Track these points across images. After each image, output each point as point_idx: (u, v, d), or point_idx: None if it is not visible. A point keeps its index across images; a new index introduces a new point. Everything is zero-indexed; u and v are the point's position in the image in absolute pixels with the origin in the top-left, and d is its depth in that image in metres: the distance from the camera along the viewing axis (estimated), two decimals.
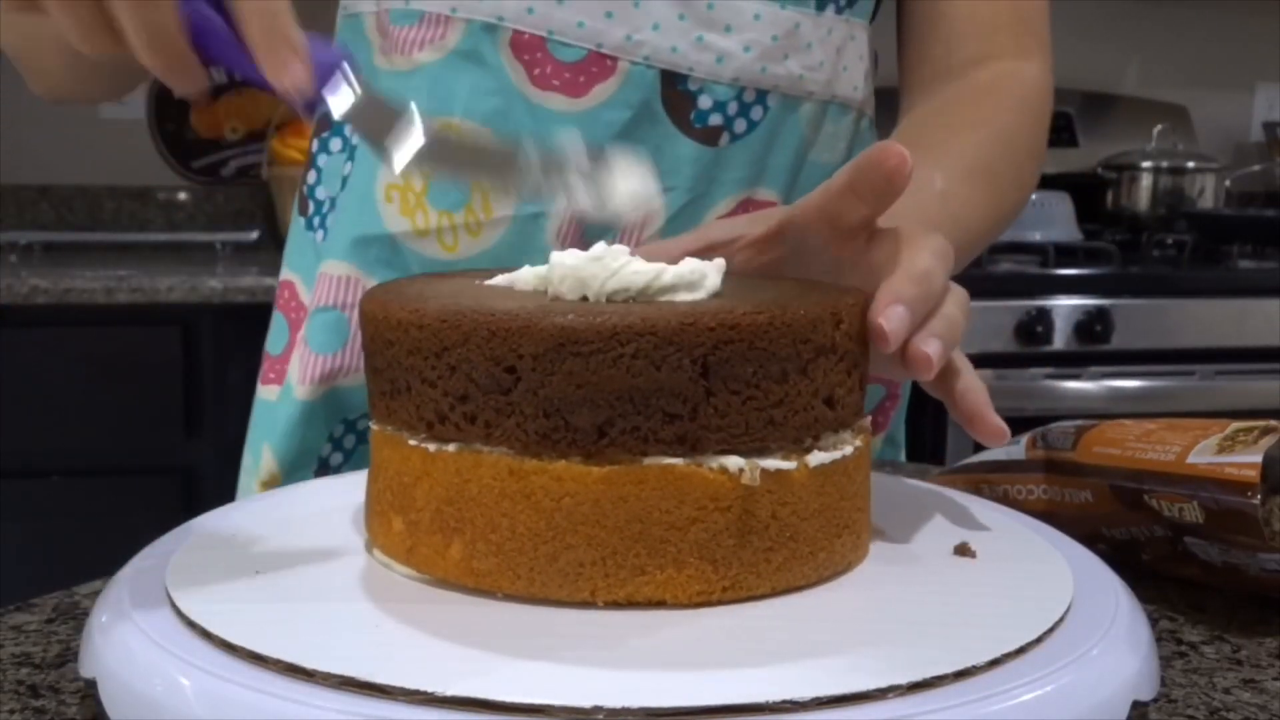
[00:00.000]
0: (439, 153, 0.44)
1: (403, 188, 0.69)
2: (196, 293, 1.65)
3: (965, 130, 0.70)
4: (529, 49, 0.68)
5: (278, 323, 0.78)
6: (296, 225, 0.78)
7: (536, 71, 0.68)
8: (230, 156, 2.25)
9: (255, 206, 2.25)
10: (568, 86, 0.68)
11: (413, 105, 0.44)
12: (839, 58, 0.73)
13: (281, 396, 0.74)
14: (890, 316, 0.43)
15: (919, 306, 0.45)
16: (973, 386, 0.49)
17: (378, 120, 0.44)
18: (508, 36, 0.68)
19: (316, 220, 0.76)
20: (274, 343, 0.78)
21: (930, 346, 0.44)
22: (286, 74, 0.41)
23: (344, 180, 0.73)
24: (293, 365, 0.74)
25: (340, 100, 0.43)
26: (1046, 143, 0.76)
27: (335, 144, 0.75)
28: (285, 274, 0.78)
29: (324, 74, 0.42)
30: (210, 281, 1.65)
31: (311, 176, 0.77)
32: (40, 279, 1.62)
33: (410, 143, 0.43)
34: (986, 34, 0.75)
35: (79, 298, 1.62)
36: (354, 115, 0.43)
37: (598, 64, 0.68)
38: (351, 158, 0.73)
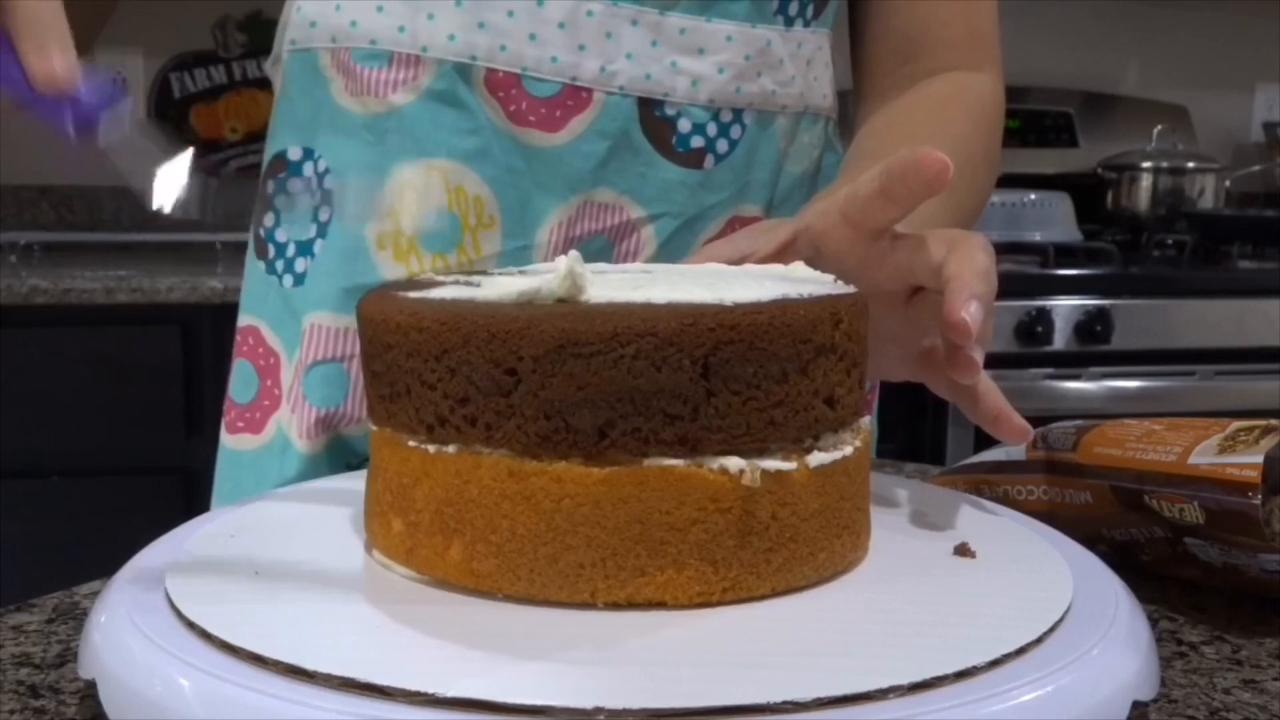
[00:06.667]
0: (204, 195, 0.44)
1: (394, 234, 0.68)
2: (196, 293, 1.65)
3: (926, 142, 0.70)
4: (504, 86, 0.67)
5: (242, 369, 0.75)
6: (255, 268, 0.75)
7: (512, 108, 0.67)
8: (230, 156, 2.25)
9: None
10: (544, 122, 0.67)
11: (190, 151, 0.43)
12: (809, 70, 0.74)
13: (270, 450, 0.72)
14: (971, 311, 0.47)
15: (988, 301, 0.48)
16: (991, 389, 0.53)
17: (144, 156, 0.43)
18: (482, 75, 0.67)
19: (280, 265, 0.73)
20: (239, 390, 0.75)
21: (979, 355, 0.49)
22: (48, 62, 0.40)
23: (321, 227, 0.71)
24: (286, 422, 0.71)
25: (113, 124, 0.42)
26: (1000, 151, 0.77)
27: (296, 185, 0.72)
28: (246, 319, 0.75)
29: (97, 92, 0.41)
30: (210, 281, 1.65)
31: (269, 219, 0.74)
32: (40, 279, 1.61)
33: (173, 183, 0.43)
34: (939, 47, 0.76)
35: (79, 298, 1.62)
36: (122, 143, 0.42)
37: (573, 97, 0.67)
38: (327, 203, 0.71)
